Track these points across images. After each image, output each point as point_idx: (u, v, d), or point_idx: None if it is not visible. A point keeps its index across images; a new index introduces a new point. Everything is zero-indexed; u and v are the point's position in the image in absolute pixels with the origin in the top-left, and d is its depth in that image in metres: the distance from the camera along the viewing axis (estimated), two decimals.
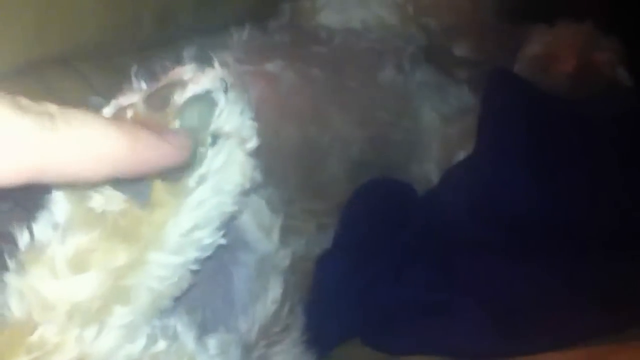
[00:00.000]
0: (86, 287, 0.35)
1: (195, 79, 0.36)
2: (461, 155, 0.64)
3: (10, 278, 0.36)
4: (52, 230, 0.36)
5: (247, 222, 0.51)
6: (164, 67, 0.61)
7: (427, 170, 0.65)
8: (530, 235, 0.58)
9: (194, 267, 0.38)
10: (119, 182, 0.35)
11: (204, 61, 0.61)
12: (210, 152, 0.36)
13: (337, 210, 0.58)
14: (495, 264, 0.56)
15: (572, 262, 0.56)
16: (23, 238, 0.36)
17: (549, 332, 0.52)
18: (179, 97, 0.36)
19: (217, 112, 0.36)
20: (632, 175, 0.62)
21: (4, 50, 0.62)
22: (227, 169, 0.37)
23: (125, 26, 0.70)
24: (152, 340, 0.37)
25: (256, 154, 0.55)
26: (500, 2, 0.73)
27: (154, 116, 0.35)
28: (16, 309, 0.35)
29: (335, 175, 0.59)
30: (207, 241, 0.37)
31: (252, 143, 0.38)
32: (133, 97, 0.36)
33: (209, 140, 0.36)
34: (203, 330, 0.43)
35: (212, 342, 0.42)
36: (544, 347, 0.52)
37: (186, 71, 0.37)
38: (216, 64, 0.38)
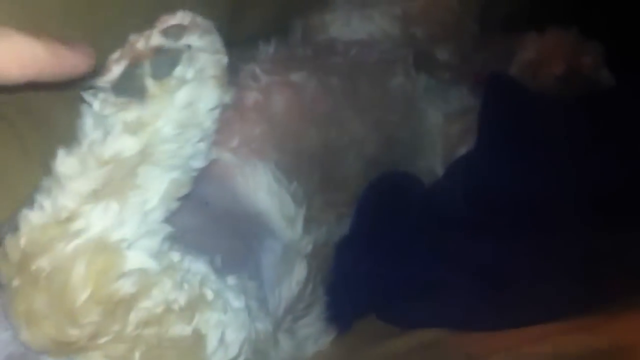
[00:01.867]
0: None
1: None
2: (463, 150, 0.71)
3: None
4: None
5: (274, 214, 0.58)
6: None
7: (433, 165, 0.71)
8: (521, 220, 0.64)
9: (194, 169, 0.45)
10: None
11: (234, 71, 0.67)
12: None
13: (353, 201, 0.64)
14: (487, 246, 0.62)
15: (558, 242, 0.62)
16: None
17: (537, 306, 0.58)
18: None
19: None
20: (619, 165, 0.68)
21: None
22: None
23: None
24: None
25: (283, 155, 0.62)
26: (485, 13, 0.79)
27: None
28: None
29: (352, 171, 0.65)
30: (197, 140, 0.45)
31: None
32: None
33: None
34: None
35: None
36: (534, 320, 0.57)
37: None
38: None
